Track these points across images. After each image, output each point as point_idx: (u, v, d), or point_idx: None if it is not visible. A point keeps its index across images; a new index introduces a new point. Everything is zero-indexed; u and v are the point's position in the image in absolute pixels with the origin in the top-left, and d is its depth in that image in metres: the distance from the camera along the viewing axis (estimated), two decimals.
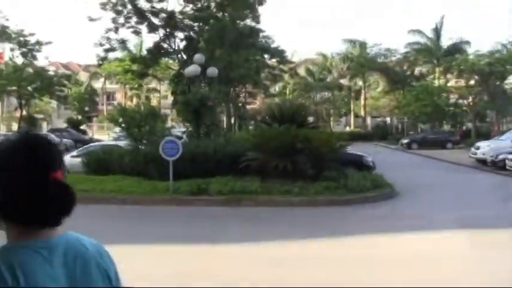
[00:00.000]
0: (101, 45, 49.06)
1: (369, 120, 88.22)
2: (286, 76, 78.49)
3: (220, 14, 45.98)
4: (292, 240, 14.16)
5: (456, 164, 37.77)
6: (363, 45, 79.71)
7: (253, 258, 12.36)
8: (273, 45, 58.81)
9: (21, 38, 59.55)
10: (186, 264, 11.79)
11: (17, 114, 77.65)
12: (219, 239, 14.29)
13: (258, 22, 48.33)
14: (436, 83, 70.84)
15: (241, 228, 16.16)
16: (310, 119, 27.48)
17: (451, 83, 73.16)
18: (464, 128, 69.12)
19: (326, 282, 10.27)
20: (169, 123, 48.26)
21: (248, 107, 73.13)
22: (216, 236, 14.78)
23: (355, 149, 26.93)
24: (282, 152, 21.37)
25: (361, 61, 77.71)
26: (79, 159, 26.81)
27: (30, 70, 67.06)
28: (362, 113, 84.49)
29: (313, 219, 17.52)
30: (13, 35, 58.15)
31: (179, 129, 46.73)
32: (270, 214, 18.34)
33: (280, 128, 22.17)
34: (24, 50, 60.82)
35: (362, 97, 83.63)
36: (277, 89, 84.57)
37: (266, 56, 60.53)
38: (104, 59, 52.37)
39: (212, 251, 13.18)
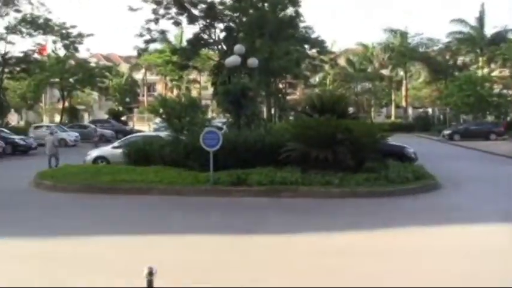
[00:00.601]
0: (141, 36, 49.41)
1: (410, 110, 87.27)
2: (326, 66, 78.05)
3: (260, 5, 45.80)
4: (332, 232, 14.06)
5: (500, 155, 37.10)
6: (404, 34, 78.82)
7: (294, 249, 12.31)
8: (313, 36, 58.52)
9: (64, 31, 60.30)
10: (225, 255, 11.80)
11: (60, 105, 78.83)
12: (259, 230, 14.29)
13: (298, 12, 48.03)
14: (480, 72, 69.74)
15: (281, 219, 16.12)
16: (351, 109, 27.23)
17: (495, 72, 71.94)
18: (508, 118, 67.78)
19: (367, 274, 10.17)
20: (209, 114, 48.48)
21: (288, 97, 72.93)
22: (256, 226, 14.76)
23: (396, 140, 26.60)
24: (322, 142, 21.22)
25: (403, 51, 76.84)
26: (120, 150, 27.05)
27: (72, 62, 68.04)
28: (403, 103, 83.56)
29: (354, 211, 17.37)
30: (55, 28, 58.86)
31: (219, 120, 46.87)
32: (310, 205, 18.25)
33: (321, 119, 22.00)
34: (66, 42, 61.61)
35: (403, 87, 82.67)
36: (317, 79, 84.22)
37: (306, 46, 60.26)
38: (144, 50, 52.73)
39: (252, 241, 13.16)
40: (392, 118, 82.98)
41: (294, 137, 22.63)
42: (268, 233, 14.01)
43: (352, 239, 13.31)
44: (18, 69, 59.48)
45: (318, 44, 60.08)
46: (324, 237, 13.60)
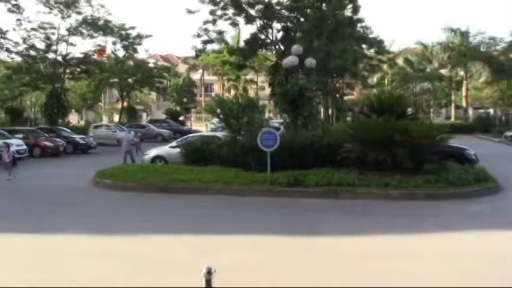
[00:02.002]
0: (199, 36, 49.68)
1: (470, 111, 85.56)
2: (384, 66, 77.19)
3: (318, 4, 45.54)
4: (390, 234, 13.89)
5: None
6: (464, 34, 77.33)
7: (351, 251, 12.17)
8: (371, 35, 57.99)
9: (123, 32, 61.14)
10: (283, 256, 11.73)
11: (119, 105, 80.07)
12: (317, 231, 14.18)
13: (357, 12, 47.62)
14: None
15: (339, 220, 15.99)
16: (409, 110, 26.73)
17: None
18: None
19: (422, 278, 9.98)
20: (266, 115, 48.47)
21: (346, 98, 72.46)
22: (313, 228, 14.67)
23: (456, 141, 26.08)
24: (380, 144, 20.98)
25: (463, 50, 75.38)
26: (178, 150, 27.29)
27: (131, 63, 68.95)
28: (463, 104, 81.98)
29: (412, 213, 17.08)
30: (115, 29, 59.76)
31: (276, 120, 46.84)
32: (367, 207, 18.04)
33: (379, 120, 21.75)
34: (125, 43, 62.50)
35: (463, 88, 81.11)
36: (375, 79, 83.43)
37: (364, 46, 59.73)
38: (201, 50, 53.01)
39: (310, 243, 13.08)
40: (452, 119, 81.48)
41: (351, 138, 22.45)
42: (326, 234, 13.90)
43: (410, 242, 13.10)
44: (78, 70, 60.56)
45: (376, 43, 59.51)
46: (381, 239, 13.42)
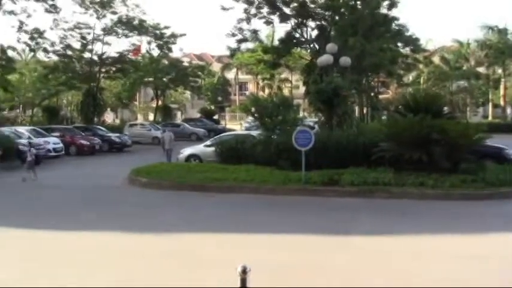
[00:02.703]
0: (233, 35, 49.72)
1: (509, 110, 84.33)
2: (420, 65, 76.43)
3: (353, 2, 45.28)
4: (425, 234, 13.72)
5: None
6: (502, 31, 76.13)
7: (387, 250, 12.05)
8: (406, 34, 57.47)
9: (157, 31, 61.46)
10: (318, 255, 11.66)
11: (153, 104, 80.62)
12: (352, 231, 14.08)
13: (392, 8, 47.19)
14: None
15: (374, 220, 15.86)
16: (446, 109, 26.43)
17: None
18: None
19: (454, 279, 9.83)
20: (301, 113, 48.35)
21: (381, 96, 71.97)
22: (348, 227, 14.57)
23: (493, 141, 25.68)
24: (416, 143, 20.78)
25: (501, 48, 74.21)
26: (212, 149, 27.35)
27: (166, 62, 69.32)
28: (501, 102, 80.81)
29: (448, 214, 16.88)
30: (150, 29, 60.11)
31: (311, 119, 46.70)
32: (403, 206, 17.88)
33: (415, 119, 21.51)
34: (160, 42, 62.77)
35: (501, 86, 79.92)
36: (410, 78, 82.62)
37: (399, 44, 59.23)
38: (236, 49, 53.04)
39: (344, 242, 12.98)
40: (490, 118, 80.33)
41: (387, 137, 22.28)
42: (361, 234, 13.80)
43: (444, 243, 12.94)
44: (114, 69, 61.03)
45: (412, 41, 58.94)
46: (416, 239, 13.28)
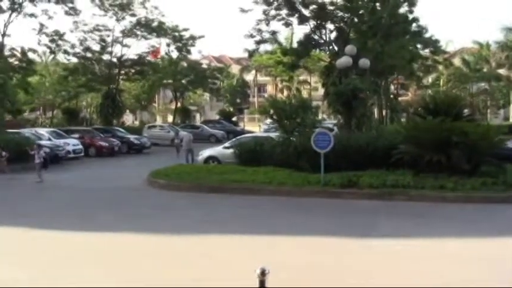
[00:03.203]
0: (252, 36, 49.69)
1: None
2: (440, 66, 75.94)
3: (372, 4, 45.07)
4: (445, 238, 13.61)
5: None
6: None
7: (405, 253, 11.98)
8: (426, 35, 57.14)
9: (176, 33, 61.63)
10: (337, 257, 11.62)
11: (172, 106, 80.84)
12: (370, 233, 14.03)
13: (412, 9, 46.93)
14: None
15: (393, 222, 15.79)
16: (466, 111, 26.21)
17: None
18: None
19: (473, 282, 9.76)
20: (320, 115, 48.22)
21: (400, 98, 71.59)
22: (367, 230, 14.51)
23: None
24: (436, 145, 20.66)
25: None
26: (231, 150, 27.37)
27: (185, 64, 69.48)
28: None
29: (468, 217, 16.78)
30: (168, 31, 60.29)
31: (330, 121, 46.57)
32: (422, 209, 17.75)
33: (434, 121, 21.39)
34: (178, 44, 62.93)
35: None
36: (430, 80, 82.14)
37: (419, 46, 58.87)
38: (254, 51, 53.02)
39: (363, 244, 12.92)
40: (511, 120, 79.70)
41: (406, 140, 22.19)
42: (380, 236, 13.74)
43: (465, 246, 12.84)
44: (133, 71, 61.28)
45: (432, 43, 58.58)
46: (436, 242, 13.19)
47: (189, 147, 33.29)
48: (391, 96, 64.03)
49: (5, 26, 47.33)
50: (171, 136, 51.93)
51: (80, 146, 37.91)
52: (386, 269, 10.80)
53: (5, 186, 24.21)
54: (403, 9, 46.49)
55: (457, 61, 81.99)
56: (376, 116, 50.05)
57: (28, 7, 48.76)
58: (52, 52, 57.94)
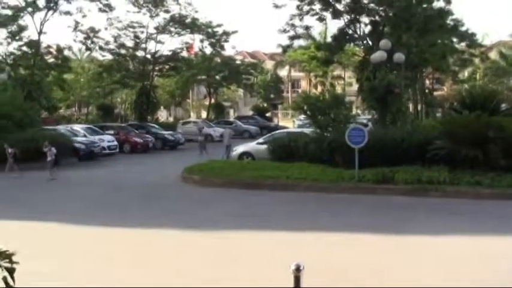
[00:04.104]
0: (286, 32, 49.57)
1: None
2: (476, 60, 74.93)
3: None
4: (481, 235, 13.45)
5: None
6: None
7: (441, 250, 11.84)
8: (462, 28, 56.42)
9: (210, 29, 61.78)
10: (371, 254, 11.54)
11: (206, 102, 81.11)
12: (405, 230, 13.90)
13: (448, 3, 46.30)
14: None
15: (428, 219, 15.61)
16: (504, 106, 25.78)
17: None
18: None
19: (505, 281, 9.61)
20: (354, 111, 47.99)
21: (435, 93, 70.84)
22: (402, 226, 14.39)
23: None
24: (472, 140, 20.36)
25: None
26: (265, 146, 27.33)
27: (218, 60, 69.63)
28: None
29: (504, 214, 16.53)
30: (202, 27, 60.47)
31: (364, 116, 46.28)
32: (458, 206, 17.53)
33: (471, 116, 21.09)
34: (212, 40, 63.08)
35: None
36: (466, 74, 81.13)
37: (455, 39, 58.16)
38: (288, 46, 52.91)
39: (398, 241, 12.82)
40: None
41: (441, 135, 21.91)
42: (414, 233, 13.58)
43: (500, 243, 12.67)
44: (167, 67, 61.66)
45: (468, 37, 57.80)
46: (471, 240, 13.00)
47: (228, 143, 33.58)
48: (426, 90, 63.37)
49: (41, 24, 47.96)
50: (206, 132, 52.13)
51: (115, 143, 38.21)
52: (421, 266, 10.68)
53: (33, 183, 24.35)
54: (439, 3, 45.89)
55: (494, 55, 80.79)
56: (411, 111, 49.54)
57: (63, 5, 49.37)
58: (88, 49, 58.51)
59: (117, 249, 12.18)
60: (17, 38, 47.99)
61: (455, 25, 52.98)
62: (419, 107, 56.41)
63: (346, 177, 20.81)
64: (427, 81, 66.56)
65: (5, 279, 3.51)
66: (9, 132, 29.73)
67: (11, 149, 26.79)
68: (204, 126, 48.22)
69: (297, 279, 6.39)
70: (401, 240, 12.98)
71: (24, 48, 49.19)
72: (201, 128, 43.27)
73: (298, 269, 6.38)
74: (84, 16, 51.16)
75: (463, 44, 60.97)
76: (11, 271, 3.53)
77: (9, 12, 47.04)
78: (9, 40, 48.01)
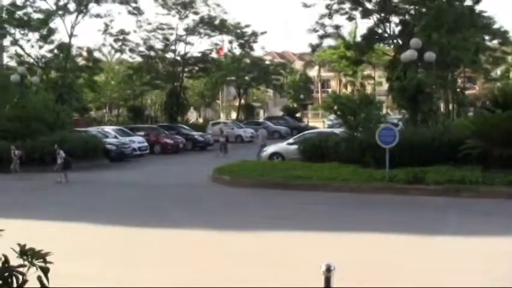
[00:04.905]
0: (315, 31, 49.44)
1: None
2: (509, 58, 73.95)
3: None
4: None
5: None
6: None
7: (473, 251, 11.69)
8: (494, 26, 55.77)
9: (238, 30, 61.87)
10: (401, 255, 11.44)
11: (236, 102, 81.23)
12: (438, 231, 13.74)
13: (477, 3, 45.82)
14: None
15: (460, 220, 15.43)
16: None
17: None
18: None
19: None
20: (384, 110, 47.71)
21: (467, 92, 70.11)
22: (434, 227, 14.24)
23: None
24: (505, 140, 20.09)
25: None
26: (295, 147, 27.31)
27: (248, 60, 69.69)
28: None
29: None
30: (231, 28, 60.58)
31: (394, 116, 45.97)
32: (491, 206, 17.30)
33: (504, 115, 20.84)
34: (241, 41, 63.19)
35: None
36: (498, 72, 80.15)
37: (487, 37, 57.51)
38: (318, 45, 52.78)
39: (429, 242, 12.69)
40: None
41: (474, 134, 21.67)
42: (448, 234, 13.41)
43: None
44: (196, 68, 61.94)
45: (501, 34, 57.12)
46: (505, 241, 12.81)
47: (263, 143, 33.80)
48: (458, 89, 62.71)
49: (72, 27, 48.41)
50: (235, 133, 52.20)
51: (146, 144, 38.45)
52: (454, 267, 10.55)
53: (64, 185, 24.60)
54: (470, 1, 45.40)
55: None
56: (442, 110, 49.10)
57: (93, 8, 49.81)
58: (117, 51, 58.97)
59: (151, 250, 12.24)
60: (48, 41, 48.47)
61: (487, 23, 52.43)
62: (450, 107, 55.88)
63: (377, 178, 20.68)
64: (459, 80, 65.82)
65: (39, 278, 3.56)
66: (42, 134, 30.09)
67: (18, 151, 27.00)
68: (224, 128, 48.19)
69: (328, 280, 6.35)
70: (434, 241, 12.83)
71: (56, 52, 49.69)
72: (222, 130, 43.30)
73: (328, 270, 6.34)
74: (111, 21, 51.62)
75: (495, 41, 60.29)
76: (45, 271, 3.59)
77: (40, 16, 47.55)
78: (41, 43, 48.51)
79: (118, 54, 63.49)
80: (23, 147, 27.80)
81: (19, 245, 3.66)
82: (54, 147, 25.77)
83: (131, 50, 57.25)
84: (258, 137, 36.49)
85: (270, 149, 30.03)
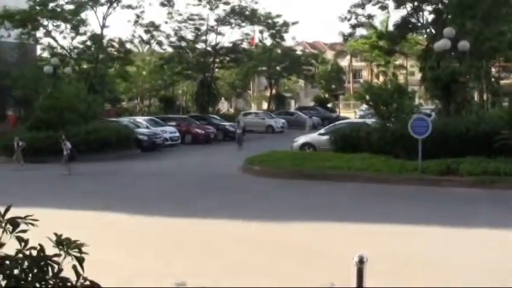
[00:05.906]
0: (348, 20, 49.13)
1: None
2: None
3: None
4: None
5: None
6: None
7: (504, 243, 11.53)
8: None
9: (269, 20, 61.76)
10: (434, 248, 11.32)
11: (267, 93, 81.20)
12: (471, 223, 13.57)
13: None
14: None
15: (495, 212, 15.25)
16: None
17: None
18: None
19: None
20: (416, 101, 47.26)
21: (502, 82, 69.14)
22: (468, 219, 14.06)
23: None
24: None
25: None
26: (326, 137, 27.21)
27: (279, 51, 69.58)
28: None
29: None
30: (262, 18, 60.47)
31: (427, 106, 45.54)
32: None
33: None
34: (272, 31, 63.11)
35: None
36: None
37: None
38: (350, 34, 52.50)
39: (462, 234, 12.53)
40: None
41: (509, 125, 21.33)
42: (482, 226, 13.21)
43: None
44: (227, 59, 61.92)
45: None
46: None
47: (310, 133, 34.24)
48: (493, 79, 61.87)
49: (104, 18, 48.70)
50: (266, 123, 52.18)
51: (177, 134, 38.59)
52: (487, 260, 10.42)
53: (95, 175, 24.82)
54: None
55: None
56: (476, 100, 48.50)
57: None
58: (147, 43, 59.26)
59: (184, 239, 12.28)
60: (81, 32, 48.81)
61: None
62: (484, 97, 55.20)
63: (409, 169, 20.50)
64: (494, 70, 64.91)
65: (74, 267, 3.59)
66: (74, 125, 30.35)
67: (22, 142, 26.99)
68: (242, 119, 47.96)
69: (360, 271, 6.32)
70: (468, 232, 12.68)
71: (88, 43, 50.05)
72: (239, 121, 42.99)
73: (361, 261, 6.31)
74: (142, 12, 51.80)
75: None
76: (80, 260, 3.62)
77: (72, 7, 47.89)
78: (73, 35, 48.87)
79: (149, 46, 63.75)
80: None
81: (55, 234, 3.70)
82: (62, 139, 25.47)
83: (159, 43, 57.59)
84: (305, 125, 37.13)
85: (301, 139, 29.96)
